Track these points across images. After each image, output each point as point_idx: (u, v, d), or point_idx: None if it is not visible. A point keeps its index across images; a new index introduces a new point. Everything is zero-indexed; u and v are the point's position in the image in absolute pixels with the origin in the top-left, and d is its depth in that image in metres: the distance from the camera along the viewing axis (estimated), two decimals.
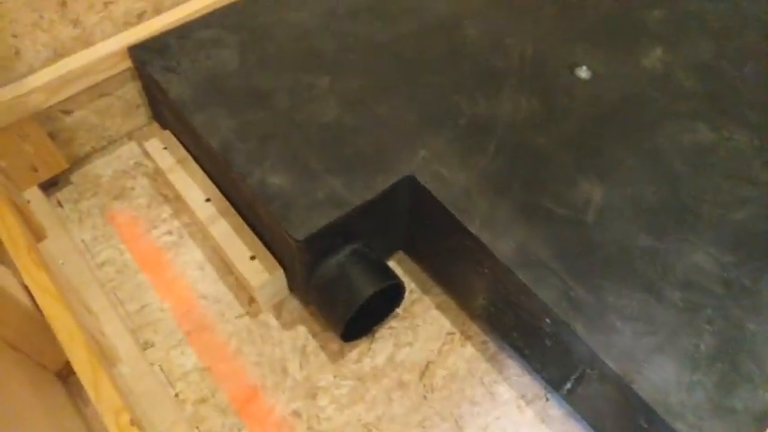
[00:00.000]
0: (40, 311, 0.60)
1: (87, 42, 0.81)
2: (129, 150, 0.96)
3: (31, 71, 0.79)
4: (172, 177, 0.83)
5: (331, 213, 0.66)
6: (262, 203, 0.67)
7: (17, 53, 0.76)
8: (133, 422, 0.52)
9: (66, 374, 0.68)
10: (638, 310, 0.61)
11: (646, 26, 0.91)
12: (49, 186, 0.91)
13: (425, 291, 0.81)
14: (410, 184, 0.70)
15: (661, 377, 0.57)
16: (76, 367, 0.55)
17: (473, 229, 0.65)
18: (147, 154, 0.89)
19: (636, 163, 0.74)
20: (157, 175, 0.92)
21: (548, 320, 0.62)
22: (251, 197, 0.70)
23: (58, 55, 0.80)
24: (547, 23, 0.89)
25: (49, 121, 0.84)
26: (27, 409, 0.55)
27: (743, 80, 0.84)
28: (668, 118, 0.79)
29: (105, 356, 0.66)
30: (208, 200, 0.80)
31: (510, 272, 0.63)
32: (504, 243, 0.64)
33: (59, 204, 0.89)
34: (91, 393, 0.54)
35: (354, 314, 0.68)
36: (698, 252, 0.66)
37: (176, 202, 0.89)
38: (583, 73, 0.84)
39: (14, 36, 0.75)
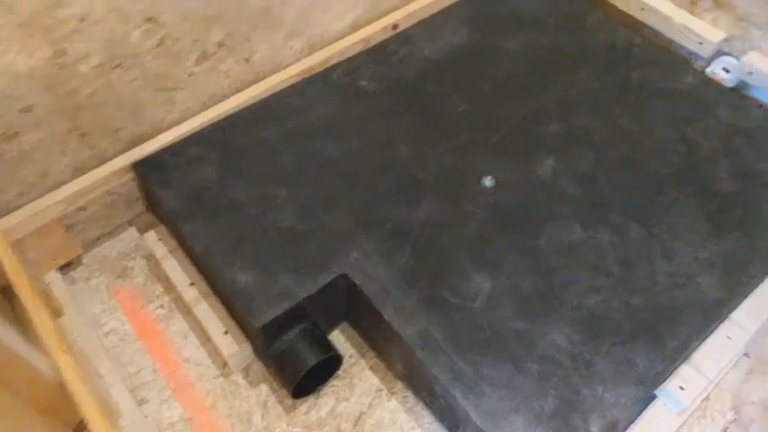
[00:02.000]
0: (64, 385, 0.82)
1: (102, 159, 1.04)
2: (129, 234, 1.18)
3: (56, 186, 1.01)
4: (164, 264, 1.05)
5: (282, 305, 0.88)
6: (231, 296, 0.90)
7: (45, 174, 0.99)
8: None
9: (80, 429, 0.89)
10: (503, 380, 0.83)
11: (544, 139, 1.13)
12: (65, 266, 1.13)
13: (362, 354, 1.03)
14: (344, 279, 0.93)
15: (513, 431, 0.79)
16: (93, 429, 0.77)
17: (387, 316, 0.88)
18: (144, 242, 1.11)
19: (519, 259, 0.97)
20: (152, 257, 1.14)
21: (438, 387, 0.84)
22: (223, 289, 0.92)
23: (78, 170, 1.03)
24: (465, 138, 1.12)
25: (67, 218, 1.07)
26: None
27: (611, 187, 1.07)
28: (551, 220, 1.02)
29: (111, 413, 0.87)
30: (192, 284, 1.03)
31: (413, 351, 0.85)
32: (409, 328, 0.87)
33: (73, 282, 1.11)
34: None
35: (301, 379, 0.90)
36: (556, 332, 0.89)
37: (166, 281, 1.11)
38: (488, 182, 1.07)
39: (44, 161, 0.98)
